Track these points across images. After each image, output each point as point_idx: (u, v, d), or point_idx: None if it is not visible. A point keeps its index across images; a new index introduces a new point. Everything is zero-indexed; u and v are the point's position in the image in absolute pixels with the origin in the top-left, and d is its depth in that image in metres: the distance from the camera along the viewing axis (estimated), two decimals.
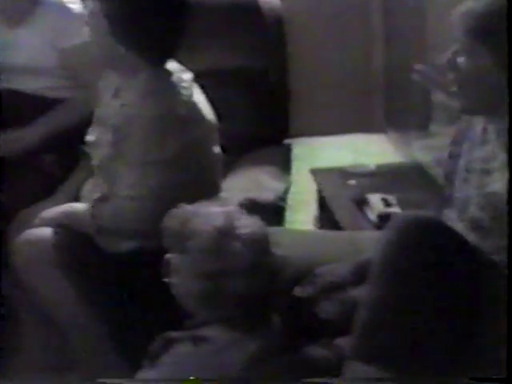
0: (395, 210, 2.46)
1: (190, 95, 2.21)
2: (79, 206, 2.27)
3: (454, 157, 1.98)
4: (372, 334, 1.64)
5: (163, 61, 2.20)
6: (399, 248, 1.65)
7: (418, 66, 1.90)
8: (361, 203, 2.59)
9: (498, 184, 1.79)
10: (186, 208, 1.86)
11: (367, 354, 1.63)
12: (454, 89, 1.84)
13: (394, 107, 3.88)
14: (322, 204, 2.80)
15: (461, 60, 1.77)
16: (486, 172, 1.83)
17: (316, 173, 2.95)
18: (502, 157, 1.79)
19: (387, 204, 2.52)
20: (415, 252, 1.64)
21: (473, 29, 1.75)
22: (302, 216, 2.99)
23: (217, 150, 2.32)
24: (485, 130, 1.88)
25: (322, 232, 2.66)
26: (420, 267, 1.62)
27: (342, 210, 2.62)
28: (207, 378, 1.73)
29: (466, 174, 1.91)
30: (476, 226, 1.82)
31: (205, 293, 1.77)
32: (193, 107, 2.21)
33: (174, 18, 2.16)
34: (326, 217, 2.74)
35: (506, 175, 1.74)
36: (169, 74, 2.20)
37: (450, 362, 1.65)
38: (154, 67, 2.18)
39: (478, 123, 1.91)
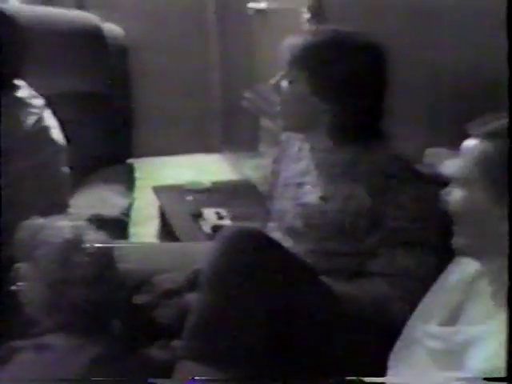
0: (227, 222, 2.51)
1: (39, 120, 2.19)
2: None
3: (274, 174, 2.06)
4: (199, 335, 1.65)
5: (6, 86, 2.17)
6: (222, 257, 1.67)
7: (248, 94, 1.96)
8: (197, 217, 2.62)
9: (310, 196, 1.86)
10: (38, 220, 1.85)
11: (195, 353, 1.64)
12: (278, 109, 1.91)
13: (229, 130, 3.97)
14: (163, 218, 2.81)
15: (284, 85, 1.85)
16: (300, 185, 1.91)
17: (157, 190, 2.96)
18: (315, 172, 1.87)
19: (220, 217, 2.57)
20: (236, 260, 1.66)
21: (295, 59, 1.83)
22: (145, 230, 2.99)
23: (65, 169, 2.31)
24: (300, 149, 1.96)
25: (162, 244, 2.69)
26: (241, 274, 1.65)
27: (181, 224, 2.64)
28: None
29: (283, 188, 1.97)
30: (291, 233, 1.88)
31: (49, 300, 1.76)
32: (41, 131, 2.20)
33: (9, 46, 2.13)
34: (167, 230, 2.75)
35: (317, 188, 1.83)
36: (17, 100, 2.18)
37: (275, 360, 1.67)
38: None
39: (295, 143, 1.99)
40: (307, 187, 1.89)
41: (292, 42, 1.86)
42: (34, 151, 2.15)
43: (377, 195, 1.75)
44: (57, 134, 2.26)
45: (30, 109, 2.19)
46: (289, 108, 1.88)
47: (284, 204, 1.94)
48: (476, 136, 1.38)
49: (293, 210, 1.89)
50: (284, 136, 2.08)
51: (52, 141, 2.23)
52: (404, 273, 1.74)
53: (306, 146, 1.93)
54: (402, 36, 2.25)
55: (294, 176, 1.95)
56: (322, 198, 1.83)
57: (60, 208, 2.21)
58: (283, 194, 1.96)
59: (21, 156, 2.11)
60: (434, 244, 1.72)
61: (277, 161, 2.07)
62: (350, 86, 1.80)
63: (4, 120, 2.09)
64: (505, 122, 1.32)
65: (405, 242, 1.74)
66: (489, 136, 1.36)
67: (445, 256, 1.56)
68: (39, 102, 2.24)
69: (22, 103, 2.19)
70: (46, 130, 2.21)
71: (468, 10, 1.96)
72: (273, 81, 1.88)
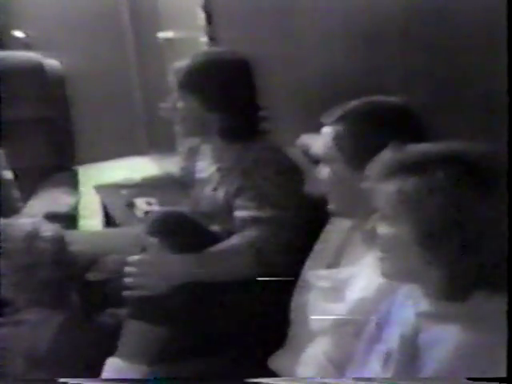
0: (155, 208, 2.42)
1: None
2: None
3: (187, 169, 2.01)
4: (139, 301, 1.63)
5: None
6: (150, 235, 1.65)
7: (163, 105, 1.89)
8: (131, 206, 2.53)
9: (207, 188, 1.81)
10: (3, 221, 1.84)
11: (137, 314, 1.63)
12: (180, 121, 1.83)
13: (153, 136, 3.96)
14: (105, 210, 2.76)
15: (179, 104, 1.76)
16: (202, 179, 1.88)
17: (98, 188, 2.88)
18: (213, 167, 1.83)
19: (149, 204, 2.48)
20: (162, 236, 1.64)
21: (181, 81, 1.74)
22: (91, 221, 2.92)
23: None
24: (203, 149, 1.91)
25: (106, 230, 2.63)
26: (165, 246, 1.63)
27: (119, 213, 2.56)
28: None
29: (196, 182, 1.93)
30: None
31: (19, 281, 1.74)
32: None
33: None
34: (109, 219, 2.69)
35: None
36: None
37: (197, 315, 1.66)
38: None
39: (201, 145, 1.93)
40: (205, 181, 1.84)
41: (178, 65, 1.76)
42: None
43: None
44: None
45: None
46: (186, 121, 1.79)
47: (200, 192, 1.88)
48: (328, 124, 1.38)
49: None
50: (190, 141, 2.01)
51: None
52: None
53: (207, 147, 1.88)
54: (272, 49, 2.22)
55: (200, 171, 1.90)
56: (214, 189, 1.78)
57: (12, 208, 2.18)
58: (202, 182, 1.90)
59: None
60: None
61: (187, 159, 2.01)
62: (228, 96, 1.72)
63: None
64: (347, 107, 1.36)
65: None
66: (337, 121, 1.36)
67: (325, 217, 1.56)
68: None
69: None
70: None
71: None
72: (169, 102, 1.78)
